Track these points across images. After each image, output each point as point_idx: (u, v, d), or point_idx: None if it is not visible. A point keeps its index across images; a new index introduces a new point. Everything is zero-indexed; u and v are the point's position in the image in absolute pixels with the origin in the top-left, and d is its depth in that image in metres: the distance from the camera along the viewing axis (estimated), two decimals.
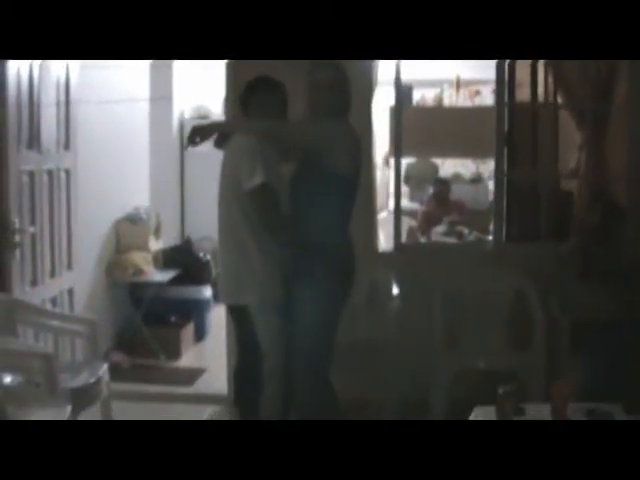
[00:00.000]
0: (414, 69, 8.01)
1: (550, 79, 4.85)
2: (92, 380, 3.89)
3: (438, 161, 8.83)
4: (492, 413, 3.23)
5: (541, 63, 4.90)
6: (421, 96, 7.78)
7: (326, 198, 3.40)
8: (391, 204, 8.36)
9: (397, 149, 4.81)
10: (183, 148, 6.88)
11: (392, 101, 7.32)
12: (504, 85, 4.73)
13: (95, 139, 5.32)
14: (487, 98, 7.34)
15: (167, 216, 6.58)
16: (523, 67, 4.95)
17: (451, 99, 7.51)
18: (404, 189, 8.89)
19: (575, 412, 3.34)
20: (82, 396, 3.75)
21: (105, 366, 4.05)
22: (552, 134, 4.85)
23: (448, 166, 8.90)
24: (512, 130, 4.84)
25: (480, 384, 4.34)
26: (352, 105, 3.53)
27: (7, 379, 3.67)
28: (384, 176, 7.94)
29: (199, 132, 3.47)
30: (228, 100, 4.78)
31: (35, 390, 3.55)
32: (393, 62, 5.37)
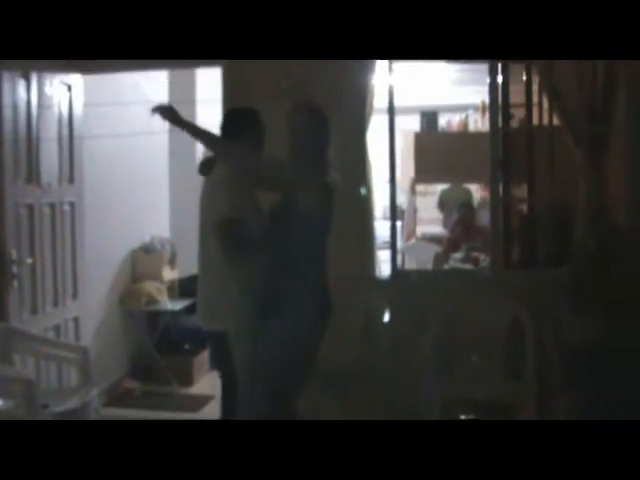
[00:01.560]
0: (440, 95, 8.06)
1: (545, 101, 4.80)
2: (79, 405, 4.02)
3: (473, 187, 8.74)
4: None
5: (536, 85, 4.85)
6: (447, 121, 7.77)
7: (299, 235, 3.40)
8: (419, 230, 8.43)
9: (391, 175, 4.80)
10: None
11: (417, 127, 7.46)
12: (497, 109, 4.72)
13: (108, 172, 5.52)
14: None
15: (190, 246, 6.70)
16: (517, 89, 4.91)
17: (476, 124, 7.47)
18: (437, 216, 8.85)
19: None
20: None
21: (94, 392, 4.17)
22: (549, 158, 4.78)
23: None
24: (508, 154, 4.80)
25: (471, 412, 4.32)
26: (330, 148, 3.49)
27: None
28: (411, 203, 7.93)
29: (165, 111, 3.51)
30: None
31: (16, 413, 3.69)
32: (409, 88, 5.42)
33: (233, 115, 3.78)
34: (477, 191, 8.86)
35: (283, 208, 3.46)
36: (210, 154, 3.86)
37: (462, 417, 3.30)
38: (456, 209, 7.39)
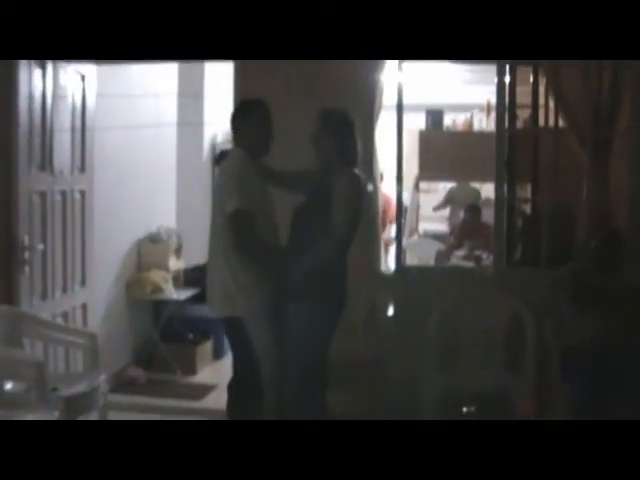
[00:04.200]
0: (445, 94, 8.14)
1: (551, 103, 4.87)
2: (87, 390, 4.09)
3: (478, 185, 8.82)
4: None
5: (542, 87, 4.93)
6: (452, 121, 7.84)
7: (325, 232, 3.54)
8: (421, 228, 8.52)
9: (398, 173, 4.87)
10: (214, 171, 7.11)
11: (422, 125, 7.53)
12: (504, 109, 4.78)
13: (118, 162, 5.58)
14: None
15: (196, 237, 6.78)
16: (524, 91, 4.99)
17: (481, 124, 7.55)
18: (440, 213, 8.92)
19: None
20: (75, 404, 3.94)
21: (102, 377, 4.25)
22: (553, 159, 4.85)
23: (487, 190, 8.88)
24: (513, 154, 4.87)
25: (471, 405, 4.40)
26: (357, 151, 3.69)
27: (6, 385, 3.92)
28: (414, 200, 8.02)
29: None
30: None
31: (26, 396, 3.76)
32: (416, 87, 5.48)
33: (242, 105, 3.97)
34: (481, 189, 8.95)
35: (311, 206, 3.61)
36: (225, 148, 3.99)
37: (464, 409, 3.37)
38: (462, 210, 7.46)
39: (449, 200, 8.87)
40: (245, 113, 3.81)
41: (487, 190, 8.92)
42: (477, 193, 8.97)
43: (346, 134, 3.64)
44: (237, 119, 3.83)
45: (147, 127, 5.99)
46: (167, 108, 6.50)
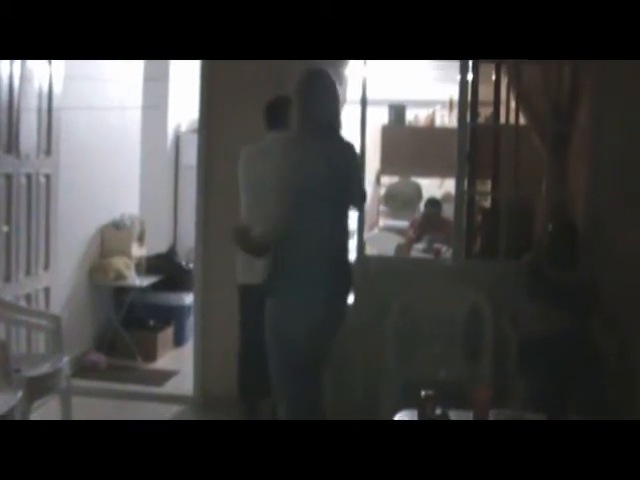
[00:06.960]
0: (409, 89, 8.25)
1: (512, 99, 4.99)
2: (50, 371, 4.11)
3: (437, 181, 8.95)
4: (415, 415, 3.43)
5: (504, 83, 5.05)
6: (414, 116, 7.94)
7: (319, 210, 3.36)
8: (381, 222, 8.61)
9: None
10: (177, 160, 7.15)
11: (385, 120, 7.62)
12: (466, 106, 4.89)
13: (83, 147, 5.58)
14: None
15: (159, 225, 6.81)
16: (486, 87, 5.10)
17: (443, 119, 7.67)
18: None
19: (496, 418, 3.49)
20: (38, 385, 3.96)
21: (65, 359, 4.26)
22: (514, 154, 4.97)
23: (447, 185, 9.01)
24: (474, 150, 4.98)
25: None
26: (339, 113, 3.50)
27: None
28: (375, 194, 8.11)
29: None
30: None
31: None
32: (379, 82, 5.56)
33: (274, 104, 4.11)
34: (440, 187, 9.07)
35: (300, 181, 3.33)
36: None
37: (422, 393, 3.46)
38: (420, 203, 7.55)
39: (389, 196, 8.92)
40: (278, 110, 3.95)
41: (448, 185, 9.05)
42: (418, 188, 9.01)
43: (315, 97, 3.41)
44: (272, 116, 4.08)
45: (112, 110, 5.97)
46: (133, 93, 6.49)
